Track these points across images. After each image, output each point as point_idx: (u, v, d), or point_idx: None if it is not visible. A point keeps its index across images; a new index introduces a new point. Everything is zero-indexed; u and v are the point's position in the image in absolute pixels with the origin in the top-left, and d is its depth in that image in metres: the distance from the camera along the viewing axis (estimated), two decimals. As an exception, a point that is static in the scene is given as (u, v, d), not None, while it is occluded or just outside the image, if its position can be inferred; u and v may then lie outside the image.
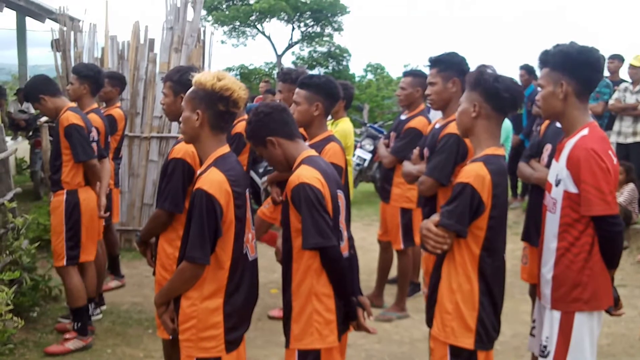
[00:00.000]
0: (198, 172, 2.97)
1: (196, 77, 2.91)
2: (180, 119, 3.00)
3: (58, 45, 8.05)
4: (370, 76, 34.88)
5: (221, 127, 2.94)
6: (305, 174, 2.91)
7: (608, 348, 5.22)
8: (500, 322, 3.07)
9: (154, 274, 3.77)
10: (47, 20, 12.59)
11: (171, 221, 3.59)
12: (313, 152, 3.15)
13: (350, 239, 3.25)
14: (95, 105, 5.51)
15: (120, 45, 7.99)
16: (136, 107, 7.89)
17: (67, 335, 4.87)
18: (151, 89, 7.88)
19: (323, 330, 2.94)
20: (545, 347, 3.11)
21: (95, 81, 5.39)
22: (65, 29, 8.01)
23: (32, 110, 11.31)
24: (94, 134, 4.99)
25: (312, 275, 2.93)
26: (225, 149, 2.96)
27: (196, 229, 2.75)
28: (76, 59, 7.83)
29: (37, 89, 4.91)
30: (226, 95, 2.85)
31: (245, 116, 6.27)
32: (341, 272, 2.96)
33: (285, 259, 3.07)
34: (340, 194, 3.10)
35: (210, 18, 31.00)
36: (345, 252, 3.09)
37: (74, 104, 5.05)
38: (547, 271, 3.11)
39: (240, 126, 6.00)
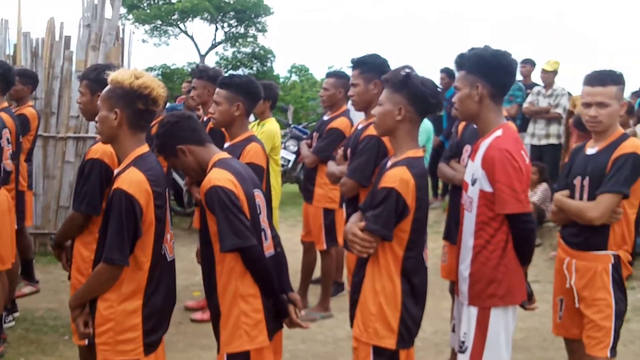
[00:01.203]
0: (116, 171, 2.90)
1: (112, 75, 2.84)
2: (97, 118, 2.92)
3: (-36, 43, 7.76)
4: (294, 77, 35.02)
5: (140, 126, 2.89)
6: (217, 177, 2.89)
7: (522, 342, 5.38)
8: (421, 320, 3.12)
9: (69, 278, 3.67)
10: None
11: (87, 224, 3.50)
12: (224, 155, 3.14)
13: (276, 236, 3.26)
14: (5, 104, 5.29)
15: (34, 42, 7.76)
16: (51, 106, 7.67)
17: None
18: (67, 88, 7.68)
19: (252, 332, 2.92)
20: (463, 342, 3.17)
21: (5, 79, 5.16)
22: (-29, 25, 7.72)
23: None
24: (4, 136, 4.78)
25: (235, 278, 2.91)
26: (145, 148, 2.91)
27: (114, 229, 2.69)
28: (-15, 58, 7.52)
29: None
30: (145, 93, 2.79)
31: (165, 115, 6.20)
32: (264, 271, 2.95)
33: (208, 263, 3.04)
34: (258, 193, 3.09)
35: (130, 16, 30.43)
36: (270, 251, 3.09)
37: None
38: (465, 268, 3.16)
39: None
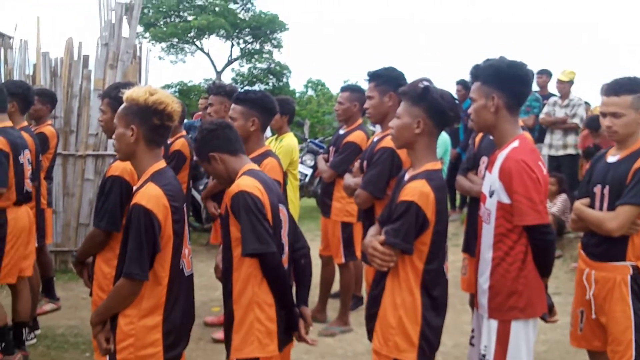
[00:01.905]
0: (135, 187, 2.92)
1: (127, 93, 2.88)
2: (114, 136, 2.95)
3: (-14, 62, 7.87)
4: (310, 92, 35.11)
5: (157, 142, 2.92)
6: (245, 183, 2.94)
7: (545, 355, 5.34)
8: (442, 333, 3.10)
9: (90, 294, 3.69)
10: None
11: (108, 240, 3.53)
12: (255, 166, 3.17)
13: (304, 247, 3.30)
14: (24, 123, 5.37)
15: (53, 61, 7.84)
16: (70, 124, 7.74)
17: None
18: (86, 106, 7.74)
19: (263, 339, 2.94)
20: (484, 355, 3.15)
21: (24, 98, 5.27)
22: (-6, 45, 7.83)
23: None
24: (25, 155, 4.83)
25: (253, 284, 2.94)
26: (162, 163, 2.94)
27: (134, 244, 2.71)
28: (6, 76, 7.66)
29: None
30: (160, 108, 2.82)
31: (184, 132, 6.25)
32: (282, 279, 2.98)
33: (226, 269, 3.07)
34: (282, 208, 3.11)
35: (147, 35, 30.69)
36: (285, 265, 3.10)
37: (7, 123, 4.84)
38: (484, 281, 3.15)
39: (178, 143, 5.97)
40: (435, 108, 2.99)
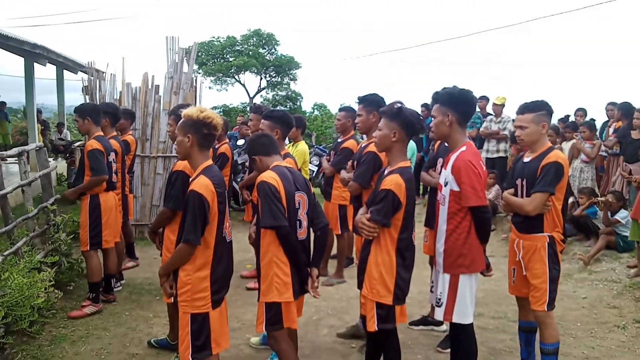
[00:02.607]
0: (191, 178, 2.90)
1: (185, 111, 2.87)
2: (176, 142, 2.95)
3: (87, 90, 7.88)
4: (316, 112, 35.00)
5: (206, 146, 2.89)
6: (266, 175, 2.98)
7: (483, 300, 5.30)
8: (410, 283, 3.09)
9: (160, 255, 3.69)
10: (79, 72, 12.25)
11: (174, 216, 3.51)
12: (282, 162, 3.16)
13: (323, 223, 3.23)
14: (114, 133, 5.40)
15: (134, 89, 7.83)
16: (146, 134, 7.72)
17: (84, 303, 4.72)
18: (157, 122, 7.72)
19: (281, 289, 2.95)
20: (439, 299, 3.14)
21: (114, 116, 5.37)
22: (92, 78, 7.82)
23: (69, 138, 10.97)
24: (112, 156, 4.88)
25: (272, 248, 2.96)
26: (210, 161, 2.91)
27: (190, 219, 2.69)
28: (100, 100, 7.64)
29: (89, 110, 4.84)
30: (208, 122, 2.81)
31: (227, 140, 6.23)
32: (293, 246, 2.97)
33: (257, 238, 3.08)
34: (300, 194, 3.08)
35: (200, 71, 30.62)
36: (302, 236, 3.10)
37: (101, 133, 4.90)
38: (440, 246, 3.13)
39: (223, 148, 5.97)
40: (407, 122, 2.98)
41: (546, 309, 3.24)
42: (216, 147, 5.94)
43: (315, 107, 35.54)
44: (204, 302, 2.77)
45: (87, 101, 7.90)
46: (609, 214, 6.17)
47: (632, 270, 5.60)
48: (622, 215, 6.04)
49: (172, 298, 2.92)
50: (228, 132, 9.97)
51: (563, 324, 4.64)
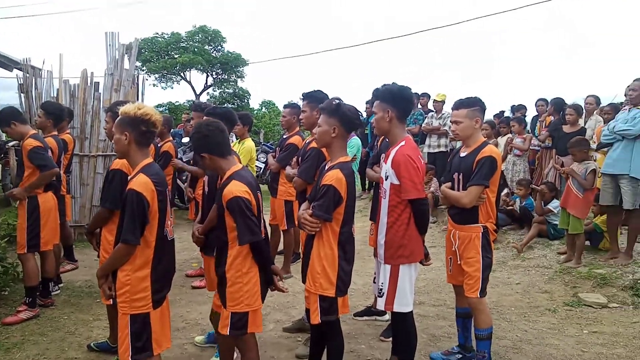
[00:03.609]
0: (129, 177, 2.81)
1: (122, 109, 2.77)
2: (113, 140, 2.83)
3: (22, 88, 7.49)
4: (264, 110, 34.73)
5: (144, 144, 2.79)
6: (238, 189, 2.77)
7: (424, 288, 5.46)
8: (351, 276, 3.11)
9: (98, 256, 3.55)
10: (14, 70, 11.60)
11: (111, 216, 3.39)
12: (239, 167, 2.97)
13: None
14: (55, 132, 5.17)
15: (72, 87, 7.50)
16: (85, 133, 7.42)
17: (20, 308, 4.48)
18: (97, 120, 7.44)
19: (251, 298, 2.85)
20: (381, 289, 3.20)
21: (58, 117, 5.20)
22: (28, 75, 7.44)
23: (3, 138, 10.38)
24: (49, 153, 4.66)
25: (241, 259, 2.82)
26: (150, 159, 2.81)
27: (129, 218, 2.60)
28: (37, 99, 7.28)
29: (9, 116, 4.53)
30: (146, 119, 2.72)
31: (170, 138, 6.09)
32: (266, 255, 2.91)
33: (221, 244, 2.90)
34: (258, 194, 2.99)
35: (144, 68, 29.68)
36: (263, 236, 3.00)
37: (35, 131, 4.67)
38: (381, 238, 3.19)
39: (166, 146, 5.84)
40: (346, 118, 3.00)
41: (479, 296, 3.34)
42: (159, 145, 5.80)
43: (264, 104, 35.25)
44: (144, 303, 2.69)
45: (23, 100, 7.55)
46: (542, 203, 6.49)
47: (562, 257, 5.92)
48: (554, 204, 6.36)
49: (112, 300, 2.82)
50: (172, 130, 9.77)
51: (498, 309, 4.85)
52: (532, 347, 4.01)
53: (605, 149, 5.80)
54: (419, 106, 9.79)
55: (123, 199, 2.68)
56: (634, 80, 5.39)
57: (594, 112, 7.33)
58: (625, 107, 5.73)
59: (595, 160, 6.07)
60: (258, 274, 2.88)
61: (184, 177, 8.20)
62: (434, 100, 9.24)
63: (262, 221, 2.99)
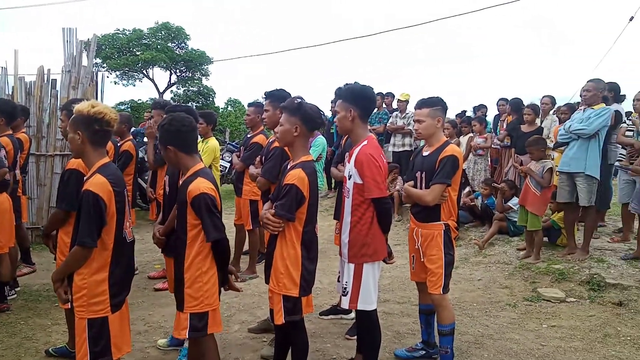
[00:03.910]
0: (85, 178, 2.72)
1: (76, 107, 2.69)
2: (67, 139, 2.75)
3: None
4: (230, 108, 34.40)
5: (99, 143, 2.71)
6: (204, 185, 2.75)
7: (389, 286, 5.52)
8: (315, 275, 3.11)
9: (55, 259, 3.44)
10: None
11: (68, 218, 3.29)
12: (202, 165, 2.93)
13: None
14: (9, 131, 4.98)
15: (28, 84, 7.25)
16: (42, 132, 7.19)
17: None
18: (54, 118, 7.22)
19: (210, 298, 2.83)
20: (345, 288, 3.20)
21: (10, 114, 4.99)
22: (-19, 72, 7.15)
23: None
24: (2, 152, 4.49)
25: (201, 258, 2.79)
26: (106, 159, 2.73)
27: (85, 220, 2.52)
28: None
29: None
30: (99, 117, 2.64)
31: (131, 137, 5.95)
32: (227, 253, 2.88)
33: (179, 243, 2.86)
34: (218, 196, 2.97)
35: (105, 65, 28.93)
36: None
37: None
38: (345, 237, 3.20)
39: (126, 145, 5.70)
40: (308, 117, 2.99)
41: (442, 292, 3.40)
42: (119, 144, 5.66)
43: (229, 103, 34.93)
44: (102, 307, 2.61)
45: None
46: (503, 201, 6.65)
47: (521, 253, 6.08)
48: (514, 202, 6.53)
49: (69, 304, 2.74)
50: (134, 129, 9.55)
51: (461, 305, 4.95)
52: (494, 341, 4.11)
53: (562, 148, 5.99)
54: (384, 105, 9.90)
55: (79, 200, 2.60)
56: (587, 82, 5.58)
57: (550, 112, 7.57)
58: (580, 108, 5.93)
59: (552, 159, 6.26)
60: (216, 274, 2.85)
61: (145, 177, 8.03)
62: (398, 100, 9.36)
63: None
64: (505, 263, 6.00)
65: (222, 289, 3.01)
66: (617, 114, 6.00)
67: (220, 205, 2.88)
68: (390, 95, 9.97)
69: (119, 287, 2.69)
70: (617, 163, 6.23)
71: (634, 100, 5.94)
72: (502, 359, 3.82)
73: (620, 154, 6.24)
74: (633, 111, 6.22)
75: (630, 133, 5.93)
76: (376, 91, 9.69)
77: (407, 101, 9.22)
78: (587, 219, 5.78)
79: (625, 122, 6.15)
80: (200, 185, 2.74)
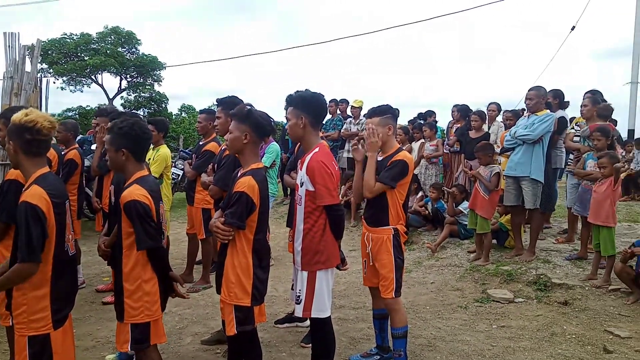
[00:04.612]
0: (23, 189, 2.60)
1: (13, 116, 2.58)
2: (5, 148, 2.63)
3: None
4: (184, 114, 33.85)
5: (34, 152, 2.61)
6: (137, 192, 2.70)
7: (344, 292, 5.54)
8: (267, 283, 3.09)
9: None
10: None
11: (8, 230, 3.13)
12: (145, 173, 2.91)
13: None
14: None
15: (-35, 90, 6.86)
16: (-19, 141, 6.80)
17: None
18: (-6, 126, 6.83)
19: (152, 308, 2.78)
20: (299, 296, 3.19)
21: None
22: None
23: None
24: None
25: (140, 267, 2.75)
26: (45, 169, 2.63)
27: (25, 233, 2.41)
28: None
29: None
30: (30, 126, 2.55)
31: (76, 145, 5.74)
32: (164, 262, 2.84)
33: (117, 252, 2.81)
34: (162, 204, 2.93)
35: (51, 70, 27.89)
36: (164, 247, 2.94)
37: None
38: (298, 245, 3.19)
39: (71, 153, 5.49)
40: (257, 124, 2.98)
41: (394, 296, 3.45)
42: (63, 152, 5.45)
43: (183, 109, 34.38)
44: (43, 323, 2.50)
45: None
46: (454, 205, 6.82)
47: (472, 255, 6.25)
48: (464, 205, 6.70)
49: (10, 320, 2.60)
50: (82, 136, 9.24)
51: (414, 308, 5.02)
52: (446, 343, 4.18)
53: (508, 153, 6.20)
54: (338, 112, 9.97)
55: (17, 212, 2.48)
56: (529, 90, 5.82)
57: (496, 118, 7.84)
58: (525, 114, 6.17)
59: (499, 164, 6.47)
60: (157, 282, 2.80)
61: (92, 186, 7.75)
62: (352, 106, 9.45)
63: (163, 232, 2.91)
64: (457, 266, 6.14)
65: (169, 297, 2.96)
66: (562, 119, 6.28)
67: (156, 213, 2.81)
68: (345, 101, 10.05)
69: (62, 303, 2.59)
70: (567, 168, 6.49)
71: (581, 107, 6.23)
72: (454, 360, 3.90)
73: (570, 159, 6.52)
74: (579, 116, 6.53)
75: (577, 138, 6.21)
76: (331, 98, 9.82)
77: (360, 107, 9.33)
78: (533, 221, 6.00)
79: (573, 128, 6.45)
80: (133, 192, 2.70)
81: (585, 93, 6.52)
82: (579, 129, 6.26)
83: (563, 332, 4.35)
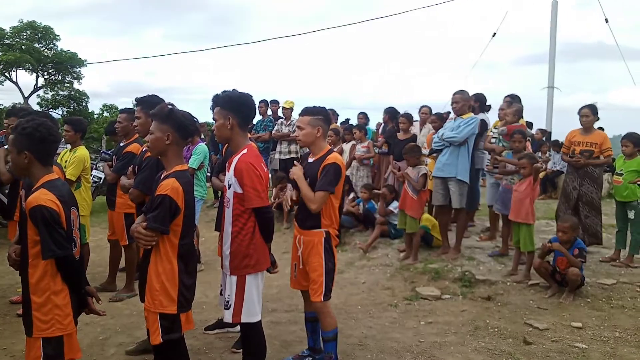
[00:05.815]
0: None
1: None
2: None
3: None
4: (106, 114, 32.51)
5: None
6: (43, 197, 2.55)
7: (277, 295, 5.51)
8: (195, 289, 3.01)
9: None
10: None
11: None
12: (54, 176, 2.73)
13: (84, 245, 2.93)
14: None
15: None
16: None
17: None
18: None
19: (63, 321, 2.64)
20: (228, 302, 3.14)
21: None
22: None
23: None
24: None
25: (49, 278, 2.59)
26: None
27: None
28: None
29: None
30: None
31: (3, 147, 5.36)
32: (75, 273, 2.69)
33: (23, 263, 2.65)
34: (74, 210, 2.77)
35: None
36: (77, 256, 2.79)
37: None
38: (227, 249, 3.13)
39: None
40: (180, 124, 2.90)
41: (323, 300, 3.45)
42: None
43: (105, 108, 32.96)
44: None
45: None
46: (384, 205, 6.98)
47: (402, 254, 6.42)
48: (394, 205, 6.88)
49: None
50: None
51: (346, 308, 5.08)
52: (376, 342, 4.27)
53: (435, 155, 6.44)
54: (269, 112, 9.93)
55: None
56: (454, 94, 6.06)
57: (427, 121, 8.10)
58: (451, 117, 6.42)
59: (426, 165, 6.70)
60: (68, 293, 2.67)
61: (7, 191, 7.24)
62: (283, 108, 9.44)
63: (75, 240, 2.77)
64: (387, 265, 6.29)
65: (82, 312, 2.82)
66: (483, 122, 6.61)
67: (71, 222, 2.68)
68: (276, 102, 10.03)
69: None
70: (485, 168, 6.82)
71: (499, 110, 6.58)
72: (384, 358, 3.98)
73: (489, 159, 6.87)
74: (497, 119, 6.89)
75: (494, 140, 6.55)
76: (261, 98, 9.75)
77: (291, 109, 9.33)
78: (459, 220, 6.27)
79: (492, 131, 6.78)
80: (40, 197, 2.56)
81: (505, 97, 6.91)
82: (496, 131, 6.60)
83: (486, 326, 4.56)
